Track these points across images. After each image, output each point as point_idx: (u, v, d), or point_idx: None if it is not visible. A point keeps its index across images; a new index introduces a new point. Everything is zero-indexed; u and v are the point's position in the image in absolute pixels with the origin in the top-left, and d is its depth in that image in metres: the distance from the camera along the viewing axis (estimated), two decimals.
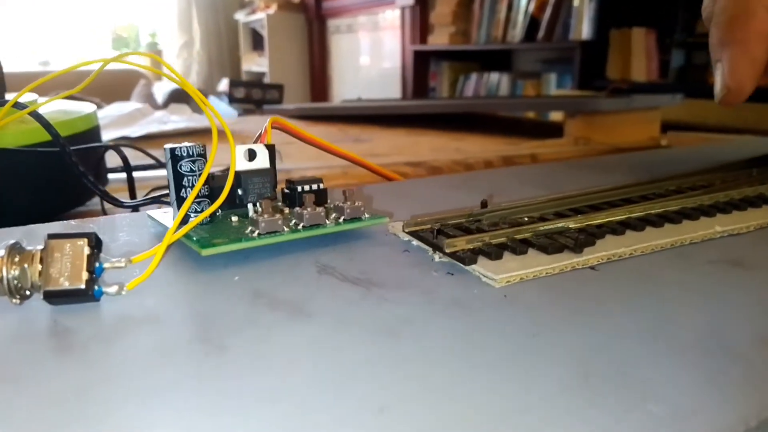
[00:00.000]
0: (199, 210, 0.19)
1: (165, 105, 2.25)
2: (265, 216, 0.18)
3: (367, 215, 0.20)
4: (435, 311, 0.15)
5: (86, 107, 0.59)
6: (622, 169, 0.32)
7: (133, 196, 0.38)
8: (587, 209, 0.21)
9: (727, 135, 0.94)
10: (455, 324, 0.14)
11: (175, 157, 0.19)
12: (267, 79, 2.74)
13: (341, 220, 0.19)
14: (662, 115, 0.96)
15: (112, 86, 2.41)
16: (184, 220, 0.19)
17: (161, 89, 2.36)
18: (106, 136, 0.92)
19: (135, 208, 0.28)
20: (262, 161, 0.21)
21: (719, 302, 0.15)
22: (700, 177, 0.26)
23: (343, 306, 0.15)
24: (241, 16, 2.93)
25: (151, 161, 0.49)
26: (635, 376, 0.12)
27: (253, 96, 2.09)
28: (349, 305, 0.15)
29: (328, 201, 0.21)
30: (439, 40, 2.00)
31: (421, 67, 2.11)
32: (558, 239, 0.18)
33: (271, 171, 0.21)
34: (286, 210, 0.21)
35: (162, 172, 0.44)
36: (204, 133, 0.97)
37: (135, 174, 0.39)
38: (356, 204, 0.20)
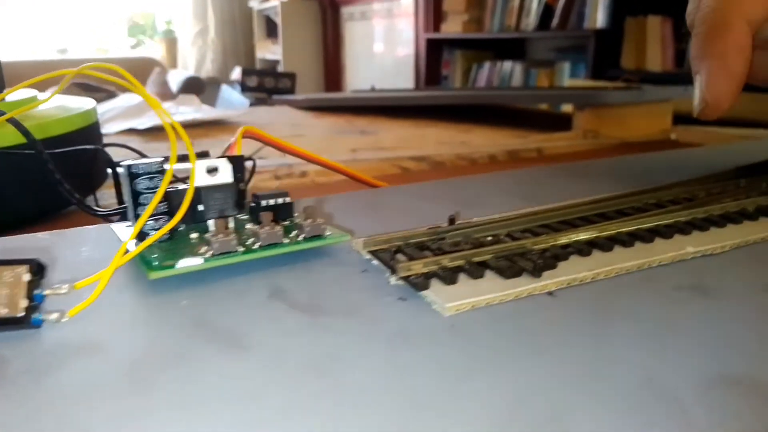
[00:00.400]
0: (157, 227, 0.19)
1: (179, 92, 2.26)
2: (219, 236, 0.18)
3: (328, 233, 0.19)
4: (376, 343, 0.14)
5: (86, 103, 0.60)
6: (609, 175, 0.32)
7: (120, 201, 0.38)
8: (558, 225, 0.21)
9: (740, 129, 0.92)
10: (393, 358, 0.14)
11: (131, 175, 0.19)
12: (281, 67, 2.74)
13: (301, 238, 0.19)
14: (676, 106, 0.94)
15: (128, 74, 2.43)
16: (141, 238, 0.19)
17: (176, 77, 2.37)
18: (114, 127, 0.93)
19: (107, 218, 0.28)
20: (225, 176, 0.20)
21: (672, 337, 0.14)
22: (684, 188, 0.25)
23: (282, 337, 0.14)
24: (255, 4, 2.93)
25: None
26: (566, 423, 0.11)
27: (266, 84, 2.09)
28: (290, 336, 0.15)
29: (296, 214, 0.21)
30: (452, 28, 1.97)
31: (433, 55, 2.09)
32: (518, 261, 0.17)
33: (234, 186, 0.21)
34: (249, 225, 0.20)
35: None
36: (211, 125, 0.98)
37: None
38: (317, 221, 0.19)
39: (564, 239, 0.19)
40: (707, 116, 0.22)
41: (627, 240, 0.19)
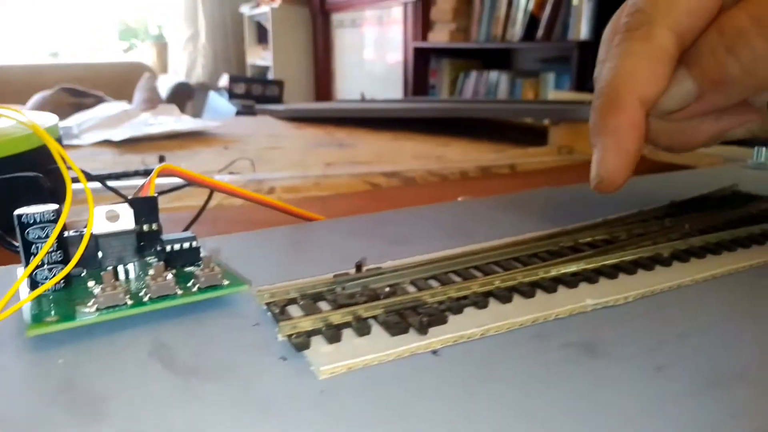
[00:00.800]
0: (50, 276, 0.19)
1: (168, 98, 2.26)
2: (107, 290, 0.17)
3: (226, 282, 0.19)
4: (242, 412, 0.14)
5: (48, 120, 0.59)
6: (544, 209, 0.31)
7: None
8: (466, 272, 0.21)
9: (725, 147, 0.92)
10: (256, 427, 0.13)
11: (21, 225, 0.19)
12: (271, 73, 2.74)
13: (195, 288, 0.19)
14: None
15: (118, 79, 2.42)
16: (33, 287, 0.19)
17: (165, 82, 2.36)
18: (90, 138, 0.92)
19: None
20: (126, 222, 0.20)
21: (544, 403, 0.14)
22: (607, 229, 0.25)
23: (145, 404, 0.14)
24: (246, 9, 2.93)
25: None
26: None
27: (253, 92, 2.09)
28: (153, 403, 0.14)
29: (202, 259, 0.21)
30: (440, 37, 1.98)
31: (421, 63, 2.10)
32: (408, 317, 0.17)
33: (135, 232, 0.20)
34: (152, 272, 0.20)
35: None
36: (188, 136, 0.97)
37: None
38: (214, 270, 0.19)
39: (462, 290, 0.19)
40: (603, 190, 0.22)
41: (528, 290, 0.19)
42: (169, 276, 0.18)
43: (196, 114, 2.47)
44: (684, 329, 0.18)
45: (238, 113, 1.85)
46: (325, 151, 0.91)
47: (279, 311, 0.17)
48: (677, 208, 0.28)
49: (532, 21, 1.64)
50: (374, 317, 0.17)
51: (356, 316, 0.17)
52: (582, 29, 1.49)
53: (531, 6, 1.66)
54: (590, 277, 0.20)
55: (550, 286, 0.19)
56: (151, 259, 0.21)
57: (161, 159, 0.77)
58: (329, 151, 0.92)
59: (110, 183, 0.62)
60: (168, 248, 0.20)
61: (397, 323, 0.17)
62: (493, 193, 0.65)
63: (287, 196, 0.64)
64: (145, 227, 0.22)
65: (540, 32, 1.62)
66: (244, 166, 0.74)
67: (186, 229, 0.43)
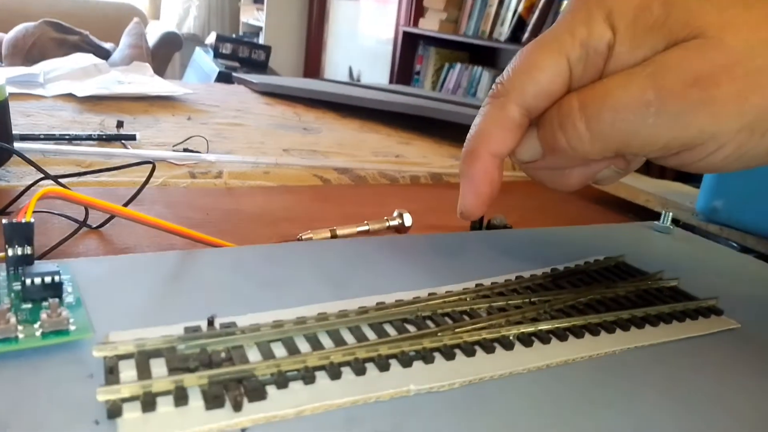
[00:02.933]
0: None
1: (156, 47, 2.20)
2: None
3: (72, 327, 0.20)
4: None
5: None
6: (432, 260, 0.32)
7: None
8: (314, 341, 0.21)
9: (664, 183, 0.94)
10: None
11: None
12: (262, 35, 2.68)
13: (38, 333, 0.19)
14: None
15: (106, 19, 2.35)
16: None
17: (155, 30, 2.30)
18: (55, 89, 0.90)
19: None
20: None
21: None
22: (469, 300, 0.26)
23: None
24: None
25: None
26: None
27: (239, 53, 2.05)
28: None
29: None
30: (430, 25, 1.96)
31: (409, 48, 2.08)
32: (231, 389, 0.18)
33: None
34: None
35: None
36: (155, 100, 0.96)
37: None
38: (60, 314, 0.19)
39: (296, 363, 0.19)
40: (465, 219, 0.29)
41: (359, 368, 0.20)
42: (12, 319, 0.19)
43: (182, 66, 2.42)
44: (490, 423, 0.19)
45: (220, 74, 1.82)
46: (287, 135, 0.91)
47: (110, 369, 0.18)
48: (553, 278, 0.29)
49: (520, 23, 1.64)
50: (199, 386, 0.18)
51: (178, 386, 0.18)
52: None
53: (521, 8, 1.65)
54: (426, 356, 0.21)
55: (384, 364, 0.20)
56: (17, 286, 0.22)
57: (119, 125, 0.76)
58: (292, 134, 0.92)
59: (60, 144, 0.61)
60: (28, 281, 0.21)
61: (216, 397, 0.17)
62: (433, 204, 0.65)
63: (233, 182, 0.63)
64: (18, 251, 0.22)
65: (526, 35, 1.61)
66: (199, 143, 0.73)
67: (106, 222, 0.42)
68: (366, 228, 0.50)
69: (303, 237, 0.47)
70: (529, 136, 0.27)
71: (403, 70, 2.07)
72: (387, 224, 0.51)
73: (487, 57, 1.85)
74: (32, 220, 0.22)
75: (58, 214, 0.43)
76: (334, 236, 0.48)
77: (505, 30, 1.68)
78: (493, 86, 0.27)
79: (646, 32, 0.23)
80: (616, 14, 0.24)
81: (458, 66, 1.91)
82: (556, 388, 0.21)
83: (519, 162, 0.28)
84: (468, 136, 0.27)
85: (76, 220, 0.44)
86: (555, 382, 0.21)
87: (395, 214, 0.52)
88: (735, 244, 0.59)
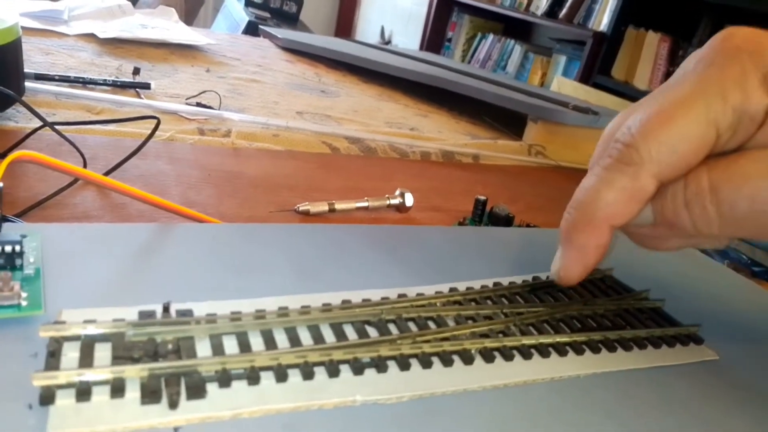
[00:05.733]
0: None
1: None
2: None
3: (24, 303, 0.19)
4: None
5: (6, 19, 0.57)
6: (417, 255, 0.31)
7: None
8: (268, 335, 0.21)
9: None
10: None
11: None
12: None
13: None
14: None
15: None
16: None
17: None
18: (78, 28, 0.89)
19: None
20: None
21: None
22: (439, 306, 0.25)
23: None
24: None
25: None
26: None
27: (271, 3, 2.01)
28: None
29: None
30: None
31: (444, 13, 2.02)
32: (171, 384, 0.18)
33: None
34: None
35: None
36: (176, 48, 0.94)
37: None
38: (13, 289, 0.19)
39: (243, 362, 0.19)
40: (561, 285, 0.26)
41: (308, 371, 0.19)
42: None
43: (214, 10, 2.39)
44: None
45: (249, 24, 1.79)
46: (303, 96, 0.89)
47: (52, 353, 0.18)
48: (532, 288, 0.28)
49: None
50: (139, 378, 0.18)
51: (117, 377, 0.17)
52: (603, 20, 1.43)
53: None
54: (380, 364, 0.21)
55: (333, 369, 0.20)
56: None
57: (135, 72, 0.76)
58: (308, 96, 0.90)
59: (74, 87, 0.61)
60: None
61: (153, 392, 0.17)
62: (440, 184, 0.64)
63: (241, 143, 0.63)
64: None
65: (563, 12, 1.55)
66: (213, 98, 0.72)
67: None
68: (365, 204, 0.49)
69: (300, 208, 0.46)
70: None
71: (435, 35, 2.02)
72: (387, 202, 0.50)
73: (521, 30, 1.79)
74: (0, 184, 0.22)
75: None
76: (332, 210, 0.47)
77: (542, 4, 1.62)
78: (617, 147, 0.23)
79: None
80: None
81: (491, 37, 1.85)
82: (507, 411, 0.20)
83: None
84: (580, 198, 0.24)
85: None
86: (508, 404, 0.21)
87: (397, 192, 0.51)
88: (745, 257, 0.57)
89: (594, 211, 0.23)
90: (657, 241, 0.26)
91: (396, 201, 0.50)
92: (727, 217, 0.21)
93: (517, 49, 1.73)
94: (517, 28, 1.79)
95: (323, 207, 0.47)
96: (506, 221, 0.49)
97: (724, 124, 0.21)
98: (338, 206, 0.48)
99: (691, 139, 0.21)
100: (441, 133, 0.86)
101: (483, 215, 0.50)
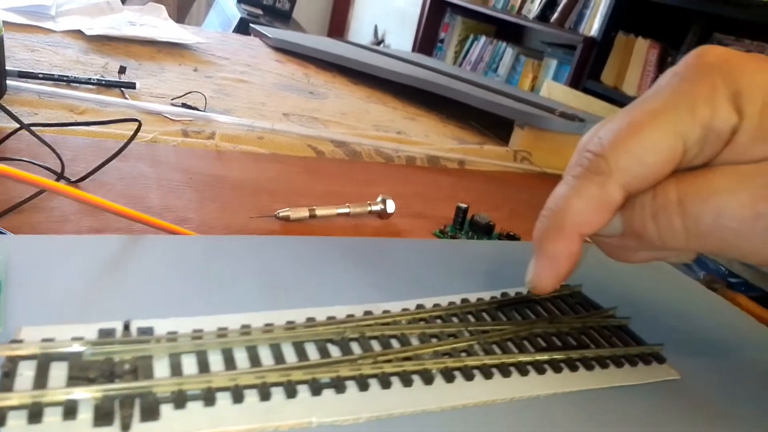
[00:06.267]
0: None
1: None
2: None
3: None
4: None
5: None
6: (388, 266, 0.31)
7: None
8: (228, 355, 0.21)
9: None
10: None
11: None
12: None
13: None
14: None
15: None
16: None
17: None
18: (65, 24, 0.89)
19: None
20: None
21: None
22: (403, 324, 0.25)
23: None
24: None
25: None
26: None
27: (263, 1, 2.00)
28: None
29: None
30: None
31: (437, 14, 2.02)
32: (125, 404, 0.18)
33: None
34: None
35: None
36: (165, 46, 0.94)
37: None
38: None
39: (200, 383, 0.19)
40: (535, 293, 0.26)
41: (265, 392, 0.20)
42: None
43: (207, 6, 2.39)
44: None
45: (241, 21, 1.78)
46: (291, 97, 0.89)
47: (6, 373, 0.18)
48: (500, 305, 0.28)
49: (550, 2, 1.58)
50: (93, 399, 0.18)
51: (70, 398, 0.17)
52: (594, 25, 1.44)
53: None
54: (339, 385, 0.21)
55: (292, 390, 0.20)
56: None
57: (121, 71, 0.75)
58: (296, 97, 0.90)
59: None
60: None
61: (106, 414, 0.17)
62: (424, 189, 0.64)
63: (225, 145, 0.63)
64: None
65: (554, 16, 1.56)
66: (199, 99, 0.72)
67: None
68: (347, 211, 0.49)
69: (280, 214, 0.46)
70: None
71: (428, 36, 2.02)
72: (369, 209, 0.50)
73: (513, 33, 1.80)
74: None
75: (38, 165, 0.42)
76: (312, 216, 0.47)
77: (534, 7, 1.62)
78: (587, 156, 0.23)
79: None
80: (745, 96, 0.20)
81: (482, 39, 1.85)
82: (463, 431, 0.21)
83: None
84: (551, 206, 0.24)
85: (54, 172, 0.43)
86: (466, 425, 0.21)
87: (379, 199, 0.51)
88: (723, 268, 0.58)
89: (564, 219, 0.23)
90: (626, 253, 0.27)
91: (377, 207, 0.50)
92: (692, 230, 0.21)
93: (509, 52, 1.74)
94: (509, 31, 1.80)
95: (304, 213, 0.47)
96: (487, 229, 0.49)
97: (692, 138, 0.21)
98: (319, 212, 0.48)
99: (659, 151, 0.21)
100: (428, 137, 0.86)
101: (464, 223, 0.50)
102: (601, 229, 0.24)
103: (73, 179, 0.44)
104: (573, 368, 0.25)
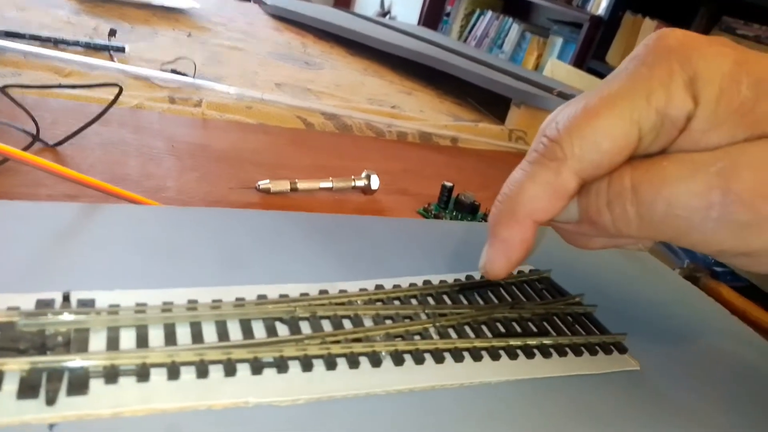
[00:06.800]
0: None
1: None
2: None
3: None
4: None
5: None
6: (361, 244, 0.31)
7: None
8: (169, 330, 0.21)
9: None
10: None
11: None
12: None
13: None
14: None
15: None
16: None
17: None
18: None
19: None
20: None
21: None
22: (359, 305, 0.25)
23: None
24: None
25: None
26: None
27: None
28: None
29: None
30: None
31: None
32: (53, 378, 0.17)
33: None
34: None
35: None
36: (160, 10, 0.92)
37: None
38: None
39: (134, 358, 0.19)
40: (488, 278, 0.25)
41: (203, 370, 0.19)
42: None
43: None
44: None
45: None
46: (285, 67, 0.88)
47: None
48: (462, 288, 0.28)
49: None
50: (20, 371, 0.17)
51: None
52: (602, 3, 1.41)
53: None
54: (281, 365, 0.20)
55: (231, 368, 0.20)
56: None
57: (111, 33, 0.74)
58: (290, 67, 0.88)
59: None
60: None
61: (31, 387, 0.17)
62: (413, 166, 0.63)
63: (211, 113, 0.62)
64: None
65: None
66: (187, 65, 0.71)
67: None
68: (329, 185, 0.49)
69: (260, 186, 0.45)
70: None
71: (434, 8, 1.98)
72: (352, 184, 0.50)
73: (520, 9, 1.76)
74: None
75: (15, 127, 0.42)
76: (294, 189, 0.47)
77: None
78: (543, 141, 0.23)
79: (729, 114, 0.20)
80: (701, 82, 0.20)
81: (489, 14, 1.82)
82: (407, 417, 0.20)
83: (549, 219, 0.24)
84: (506, 191, 0.24)
85: (29, 134, 0.43)
86: (410, 410, 0.21)
87: (363, 174, 0.50)
88: (709, 258, 0.57)
89: (517, 205, 0.23)
90: (583, 239, 0.26)
91: (361, 183, 0.50)
92: (645, 219, 0.21)
93: (514, 28, 1.71)
94: (516, 6, 1.76)
95: (285, 186, 0.46)
96: (472, 209, 0.48)
97: (647, 125, 0.21)
98: (300, 185, 0.47)
99: (614, 137, 0.21)
100: (423, 112, 0.85)
101: (449, 201, 0.49)
102: (555, 216, 0.24)
103: (51, 143, 0.44)
104: (529, 355, 0.25)
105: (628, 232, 0.22)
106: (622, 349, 0.27)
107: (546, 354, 0.25)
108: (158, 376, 0.19)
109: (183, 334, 0.20)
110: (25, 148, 0.40)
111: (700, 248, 0.21)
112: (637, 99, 0.21)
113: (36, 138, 0.43)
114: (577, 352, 0.26)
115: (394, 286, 0.27)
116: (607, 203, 0.22)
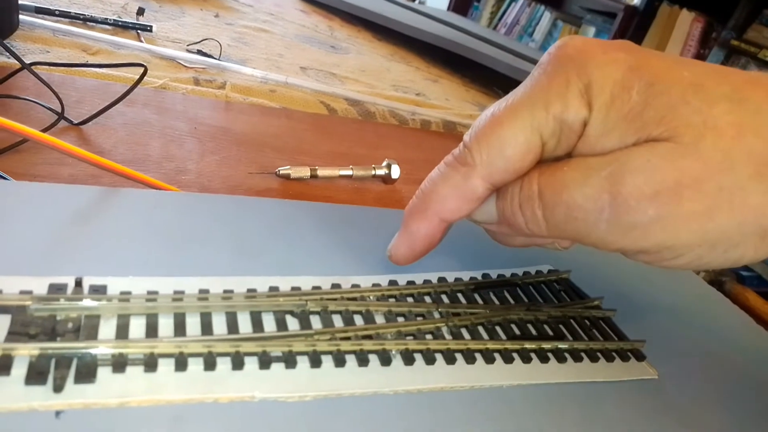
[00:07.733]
0: None
1: None
2: None
3: None
4: None
5: None
6: (373, 237, 0.30)
7: None
8: (179, 320, 0.20)
9: None
10: None
11: None
12: None
13: None
14: None
15: None
16: None
17: None
18: None
19: None
20: None
21: None
22: (372, 301, 0.24)
23: None
24: None
25: None
26: None
27: None
28: None
29: None
30: None
31: None
32: (61, 365, 0.17)
33: None
34: None
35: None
36: None
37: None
38: None
39: (142, 348, 0.19)
40: (392, 262, 0.26)
41: (210, 362, 0.19)
42: None
43: None
44: None
45: None
46: (311, 50, 0.87)
47: None
48: (477, 287, 0.27)
49: None
50: (30, 356, 0.17)
51: (5, 354, 0.17)
52: None
53: None
54: (290, 360, 0.20)
55: (239, 361, 0.19)
56: None
57: (140, 12, 0.74)
58: (316, 51, 0.88)
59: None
60: None
61: (39, 373, 0.17)
62: (435, 155, 0.62)
63: (235, 96, 0.62)
64: None
65: None
66: (213, 47, 0.71)
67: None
68: (350, 173, 0.48)
69: (280, 172, 0.45)
70: (487, 202, 0.24)
71: None
72: (373, 173, 0.49)
73: None
74: None
75: (41, 104, 0.42)
76: (314, 176, 0.46)
77: None
78: (460, 147, 0.24)
79: (619, 120, 0.20)
80: (594, 89, 0.21)
81: (520, 1, 1.78)
82: (415, 419, 0.20)
83: (470, 219, 0.26)
84: (422, 188, 0.25)
85: (55, 112, 0.43)
86: (418, 411, 0.20)
87: (384, 163, 0.50)
88: None
89: (429, 202, 0.24)
90: (506, 238, 0.27)
91: (382, 172, 0.49)
92: (550, 221, 0.22)
93: (546, 16, 1.67)
94: None
95: (305, 172, 0.46)
96: None
97: (547, 131, 0.22)
98: (320, 172, 0.47)
99: (518, 144, 0.22)
100: (448, 100, 0.84)
101: None
102: (465, 217, 0.25)
103: (75, 122, 0.44)
104: (543, 359, 0.24)
105: (539, 233, 0.23)
106: (640, 357, 0.26)
107: (561, 359, 0.24)
108: (166, 366, 0.19)
109: (193, 324, 0.20)
110: (50, 127, 0.41)
111: (602, 248, 0.22)
112: (536, 107, 0.21)
113: (61, 116, 0.43)
114: (593, 358, 0.25)
115: (408, 283, 0.26)
116: (520, 206, 0.23)
